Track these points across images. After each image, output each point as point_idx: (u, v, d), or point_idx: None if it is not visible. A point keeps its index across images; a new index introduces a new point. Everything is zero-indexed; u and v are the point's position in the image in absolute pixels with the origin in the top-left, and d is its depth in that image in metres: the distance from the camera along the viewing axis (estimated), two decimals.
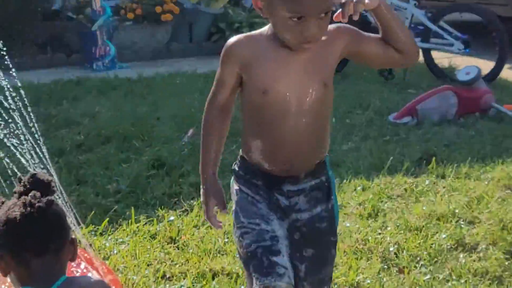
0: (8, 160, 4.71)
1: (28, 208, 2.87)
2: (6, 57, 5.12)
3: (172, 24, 11.49)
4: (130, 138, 6.58)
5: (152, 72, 9.53)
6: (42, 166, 4.59)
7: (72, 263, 3.13)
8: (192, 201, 5.29)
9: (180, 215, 5.08)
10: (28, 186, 2.94)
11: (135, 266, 4.40)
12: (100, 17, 10.49)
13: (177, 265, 4.41)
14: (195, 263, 4.40)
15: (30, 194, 2.90)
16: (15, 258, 2.91)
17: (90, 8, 10.60)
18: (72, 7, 11.19)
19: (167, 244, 4.69)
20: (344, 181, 5.54)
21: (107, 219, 4.97)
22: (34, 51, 10.52)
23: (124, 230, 4.87)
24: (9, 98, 4.87)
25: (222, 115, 3.27)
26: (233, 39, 3.20)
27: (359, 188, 5.43)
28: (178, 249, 4.62)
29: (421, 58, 8.84)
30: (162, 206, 5.20)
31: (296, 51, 3.08)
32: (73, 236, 3.02)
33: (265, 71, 3.12)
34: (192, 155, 6.07)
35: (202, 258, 4.44)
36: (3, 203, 2.95)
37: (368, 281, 4.14)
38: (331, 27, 3.10)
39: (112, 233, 4.84)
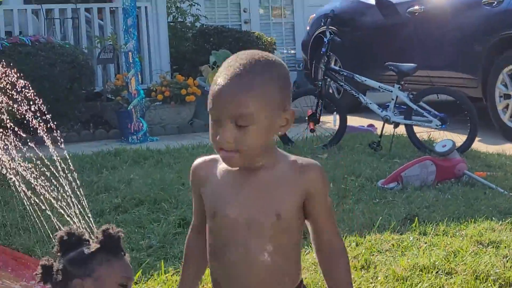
0: (56, 221, 4.73)
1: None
2: (57, 132, 5.15)
3: (194, 104, 11.56)
4: (159, 201, 6.57)
5: (178, 145, 9.54)
6: (85, 226, 4.60)
7: None
8: None
9: None
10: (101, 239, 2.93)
11: None
12: (135, 98, 10.55)
13: None
14: None
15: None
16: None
17: (126, 90, 10.67)
18: (111, 89, 11.27)
19: None
20: (346, 236, 5.54)
21: (141, 270, 4.96)
22: (79, 128, 10.60)
23: (155, 279, 4.85)
24: (58, 167, 4.90)
25: (199, 237, 2.78)
26: (196, 161, 2.78)
27: (353, 243, 5.40)
28: None
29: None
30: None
31: (250, 175, 2.55)
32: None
33: (215, 193, 2.61)
34: None
35: None
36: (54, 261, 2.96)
37: None
38: (302, 161, 2.56)
39: (145, 282, 4.82)
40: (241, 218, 2.55)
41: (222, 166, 2.61)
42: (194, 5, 13.67)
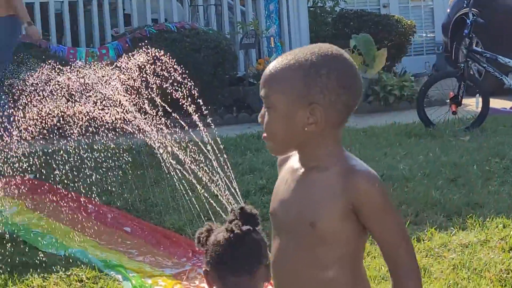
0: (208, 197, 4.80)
1: (230, 234, 2.92)
2: (206, 116, 5.23)
3: None
4: None
5: None
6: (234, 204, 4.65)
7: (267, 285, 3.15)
8: None
9: None
10: (237, 216, 2.99)
11: None
12: None
13: None
14: None
15: (233, 223, 2.95)
16: (217, 274, 2.96)
17: None
18: (253, 74, 11.34)
19: None
20: (487, 219, 5.43)
21: None
22: (222, 111, 10.71)
23: None
24: (209, 149, 4.97)
25: None
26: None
27: (500, 225, 5.31)
28: None
29: None
30: None
31: (301, 175, 2.37)
32: (269, 262, 3.03)
33: (275, 189, 2.48)
34: None
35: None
36: (211, 229, 3.01)
37: None
38: (352, 168, 2.31)
39: None
40: (283, 220, 2.41)
41: (290, 161, 2.46)
42: None
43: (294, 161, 2.41)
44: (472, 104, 9.86)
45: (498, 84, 9.62)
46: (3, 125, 6.58)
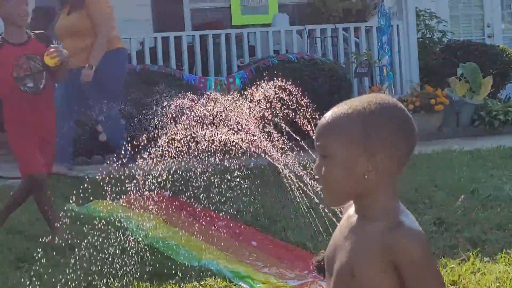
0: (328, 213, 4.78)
1: None
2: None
3: (442, 113, 11.39)
4: (415, 201, 6.52)
5: (429, 150, 9.43)
6: None
7: None
8: (468, 252, 5.17)
9: (459, 263, 4.97)
10: None
11: None
12: None
13: None
14: None
15: None
16: None
17: None
18: None
19: (450, 285, 4.61)
20: None
21: None
22: None
23: None
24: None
25: None
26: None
27: None
28: None
29: None
30: (444, 256, 5.12)
31: (353, 225, 2.23)
32: None
33: (333, 234, 2.34)
34: (465, 215, 5.96)
35: None
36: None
37: None
38: (396, 225, 2.12)
39: None
40: (331, 265, 2.26)
41: (350, 208, 2.29)
42: (441, 22, 13.46)
43: (353, 208, 2.27)
44: None
45: None
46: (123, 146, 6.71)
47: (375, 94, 2.25)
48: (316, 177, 2.22)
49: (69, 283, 4.62)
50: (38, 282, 4.66)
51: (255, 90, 5.80)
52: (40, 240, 5.34)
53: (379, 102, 2.19)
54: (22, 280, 4.80)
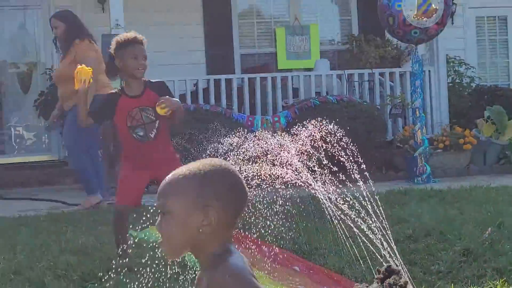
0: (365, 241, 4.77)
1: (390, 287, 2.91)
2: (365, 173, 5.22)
3: (470, 151, 11.32)
4: (445, 233, 6.47)
5: (457, 186, 9.36)
6: (389, 250, 4.61)
7: None
8: (495, 281, 5.12)
9: None
10: (385, 273, 2.99)
11: None
12: (420, 146, 10.51)
13: None
14: None
15: (390, 279, 2.95)
16: None
17: (413, 140, 10.64)
18: (400, 139, 11.27)
19: None
20: None
21: None
22: (373, 170, 10.66)
23: None
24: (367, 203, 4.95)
25: None
26: None
27: None
28: None
29: None
30: (473, 284, 5.08)
31: (199, 278, 2.37)
32: None
33: None
34: (491, 248, 5.91)
35: None
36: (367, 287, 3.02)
37: None
38: (213, 273, 2.23)
39: None
40: None
41: None
42: (469, 68, 13.43)
43: None
44: None
45: None
46: None
47: (210, 159, 2.36)
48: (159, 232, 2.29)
49: None
50: None
51: (299, 129, 5.83)
52: (104, 261, 5.41)
53: (213, 165, 2.29)
54: None
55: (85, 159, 8.90)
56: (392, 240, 4.67)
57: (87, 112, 5.80)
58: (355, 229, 5.16)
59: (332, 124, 6.14)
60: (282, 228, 6.32)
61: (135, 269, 5.11)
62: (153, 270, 5.02)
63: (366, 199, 5.31)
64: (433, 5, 9.79)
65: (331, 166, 5.59)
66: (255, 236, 6.13)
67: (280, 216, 6.15)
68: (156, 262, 5.10)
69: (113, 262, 5.17)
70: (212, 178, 2.27)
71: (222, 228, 2.27)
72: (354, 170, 5.62)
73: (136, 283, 4.89)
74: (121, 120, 5.71)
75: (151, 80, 5.85)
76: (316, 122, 6.01)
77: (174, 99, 5.72)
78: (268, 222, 5.97)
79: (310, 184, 5.30)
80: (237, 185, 2.32)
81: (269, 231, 6.02)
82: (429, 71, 12.27)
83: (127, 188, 5.71)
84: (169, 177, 2.30)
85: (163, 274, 5.07)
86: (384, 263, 3.31)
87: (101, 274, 5.26)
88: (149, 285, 4.89)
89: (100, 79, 8.38)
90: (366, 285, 3.07)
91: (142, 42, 5.74)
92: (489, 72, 15.01)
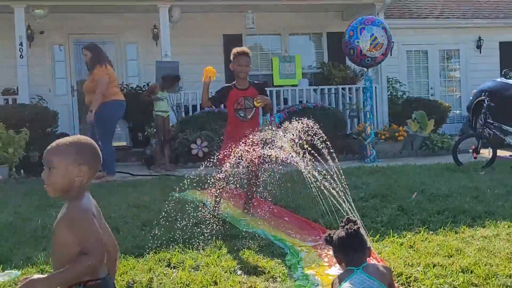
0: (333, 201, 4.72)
1: (348, 231, 2.88)
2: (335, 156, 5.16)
3: (403, 141, 11.28)
4: (385, 195, 6.41)
5: (393, 164, 9.33)
6: (349, 208, 4.57)
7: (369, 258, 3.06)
8: (419, 228, 5.06)
9: (414, 234, 4.85)
10: (346, 222, 2.96)
11: (392, 260, 4.26)
12: (369, 137, 10.46)
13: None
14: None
15: (347, 226, 2.92)
16: (342, 254, 2.91)
17: (364, 133, 10.60)
18: (356, 132, 11.23)
19: (409, 248, 4.51)
20: (498, 221, 5.15)
21: (378, 235, 4.87)
22: (337, 153, 10.58)
23: (386, 240, 4.75)
24: (334, 174, 4.88)
25: None
26: None
27: (506, 225, 5.02)
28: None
29: None
30: (404, 230, 5.02)
31: (63, 208, 2.41)
32: (369, 245, 2.98)
33: None
34: (417, 205, 5.86)
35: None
36: (330, 233, 2.99)
37: None
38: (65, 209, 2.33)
39: (381, 242, 4.73)
40: None
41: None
42: (402, 85, 13.39)
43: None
44: (486, 153, 9.43)
45: (501, 141, 9.16)
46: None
47: (80, 136, 2.47)
48: (45, 183, 2.33)
49: (177, 234, 4.64)
50: (156, 238, 4.69)
51: (290, 125, 5.78)
52: (155, 213, 5.38)
53: (83, 139, 2.41)
54: (146, 236, 4.83)
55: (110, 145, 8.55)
56: (350, 200, 4.61)
57: (210, 98, 5.78)
58: (326, 192, 5.11)
59: (311, 121, 6.09)
60: (277, 192, 6.28)
61: (177, 220, 5.08)
62: (191, 218, 5.02)
63: (334, 172, 5.25)
64: (380, 41, 9.75)
65: (310, 150, 5.53)
66: (259, 198, 6.11)
67: (276, 184, 6.12)
68: (193, 213, 5.09)
69: (160, 214, 5.14)
70: (84, 147, 2.37)
71: (86, 180, 2.34)
72: (325, 153, 5.54)
73: (175, 227, 4.87)
74: (230, 104, 5.71)
75: (255, 82, 5.97)
76: (299, 120, 5.94)
77: (266, 97, 5.77)
78: (269, 188, 5.94)
79: (297, 162, 5.23)
80: (97, 153, 2.41)
81: (269, 194, 5.99)
82: (375, 87, 12.20)
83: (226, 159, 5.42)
84: (55, 143, 2.36)
85: (197, 220, 5.05)
86: (345, 216, 3.27)
87: (155, 222, 5.24)
88: (188, 226, 4.89)
89: (111, 90, 8.38)
90: (334, 231, 3.03)
91: (248, 54, 5.74)
92: (415, 88, 14.95)
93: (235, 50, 5.77)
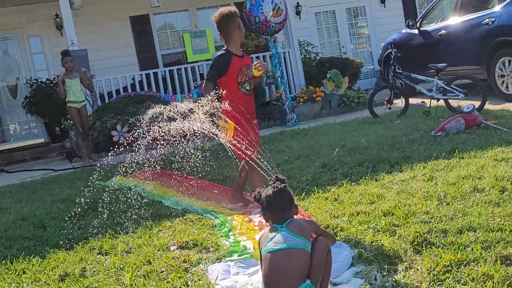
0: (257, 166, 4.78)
1: (276, 189, 2.96)
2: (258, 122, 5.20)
3: (321, 102, 11.53)
4: (308, 155, 6.59)
5: (314, 125, 9.55)
6: (274, 171, 4.64)
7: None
8: (342, 181, 5.26)
9: (337, 187, 5.04)
10: (275, 180, 3.03)
11: (319, 214, 4.41)
12: (286, 102, 10.63)
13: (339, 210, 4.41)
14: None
15: (275, 183, 3.00)
16: (269, 212, 2.99)
17: (281, 98, 10.75)
18: (274, 99, 11.36)
19: (334, 201, 4.68)
20: (414, 165, 5.41)
21: (304, 193, 5.01)
22: (259, 121, 10.71)
23: (311, 197, 4.89)
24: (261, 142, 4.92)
25: None
26: None
27: (422, 167, 5.28)
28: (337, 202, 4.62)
29: (443, 103, 8.58)
30: (328, 185, 5.18)
31: None
32: (296, 203, 3.07)
33: None
34: (339, 161, 6.05)
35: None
36: (259, 191, 3.06)
37: None
38: None
39: (306, 199, 4.87)
40: None
41: None
42: (314, 47, 13.61)
43: None
44: (399, 102, 9.81)
45: (412, 89, 9.56)
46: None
47: None
48: None
49: (106, 221, 4.60)
50: (84, 228, 4.62)
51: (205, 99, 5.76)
52: (80, 205, 5.29)
53: None
54: (74, 228, 4.76)
55: None
56: (274, 164, 4.71)
57: (207, 79, 4.68)
58: (254, 158, 5.16)
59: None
60: (202, 167, 6.31)
61: (105, 208, 5.03)
62: (114, 206, 4.99)
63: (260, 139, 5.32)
64: (280, 7, 9.97)
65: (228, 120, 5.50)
66: (184, 174, 6.12)
67: (198, 159, 6.13)
68: (120, 198, 5.05)
69: (86, 205, 5.08)
70: None
71: None
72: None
73: (104, 215, 4.83)
74: (233, 77, 4.65)
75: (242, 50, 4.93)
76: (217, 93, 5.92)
77: (264, 63, 4.84)
78: (191, 164, 5.95)
79: (216, 134, 5.25)
80: None
81: (194, 170, 6.01)
82: (288, 51, 12.36)
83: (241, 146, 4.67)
84: None
85: (124, 204, 5.02)
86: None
87: (82, 213, 5.17)
88: (117, 211, 4.86)
89: None
90: (263, 189, 3.10)
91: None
92: (327, 48, 15.24)
93: (226, 11, 4.72)
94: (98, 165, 8.37)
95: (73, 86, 9.20)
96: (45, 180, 7.74)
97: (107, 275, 3.68)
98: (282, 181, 3.06)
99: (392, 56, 9.33)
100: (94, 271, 3.80)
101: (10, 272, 3.97)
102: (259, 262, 3.61)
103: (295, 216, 3.07)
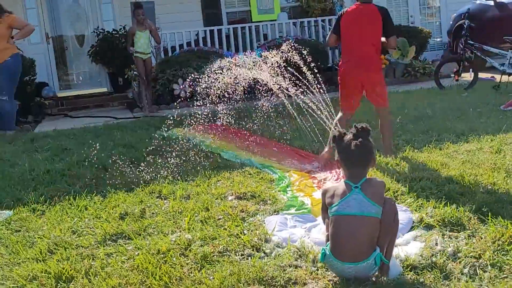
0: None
1: (358, 143, 2.79)
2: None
3: (385, 69, 11.28)
4: (368, 122, 6.45)
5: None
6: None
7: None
8: (405, 147, 5.15)
9: (401, 153, 4.96)
10: (359, 129, 2.83)
11: (379, 178, 4.32)
12: None
13: None
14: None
15: (360, 132, 2.82)
16: (347, 168, 2.83)
17: None
18: (336, 64, 11.19)
19: (396, 165, 4.58)
20: (481, 136, 5.26)
21: None
22: (320, 86, 10.59)
23: None
24: (320, 106, 4.88)
25: None
26: None
27: (489, 139, 5.14)
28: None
29: None
30: (394, 149, 5.10)
31: None
32: (374, 156, 2.86)
33: None
34: (402, 127, 5.91)
35: None
36: (345, 133, 2.86)
37: None
38: None
39: None
40: None
41: None
42: None
43: None
44: (467, 76, 9.49)
45: (482, 62, 9.19)
46: None
47: None
48: None
49: (166, 169, 4.67)
50: (145, 173, 4.71)
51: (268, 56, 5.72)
52: (141, 151, 5.36)
53: None
54: (135, 172, 4.86)
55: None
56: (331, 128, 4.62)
57: (332, 33, 5.24)
58: (314, 124, 5.13)
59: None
60: (266, 126, 6.31)
61: (164, 157, 5.11)
62: (174, 156, 5.05)
63: (324, 104, 5.27)
64: None
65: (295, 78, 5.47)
66: (246, 130, 6.13)
67: (263, 117, 6.13)
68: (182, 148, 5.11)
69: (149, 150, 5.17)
70: None
71: None
72: (310, 84, 5.54)
73: (164, 163, 4.91)
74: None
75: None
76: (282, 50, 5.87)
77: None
78: (255, 121, 5.95)
79: (283, 91, 5.22)
80: None
81: (258, 128, 6.01)
82: None
83: (345, 100, 5.32)
84: None
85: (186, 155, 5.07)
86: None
87: (143, 157, 5.28)
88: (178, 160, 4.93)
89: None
90: (345, 132, 2.89)
91: None
92: (395, 15, 14.76)
93: None
94: (159, 116, 8.52)
95: (142, 38, 9.30)
96: (107, 127, 7.91)
97: (165, 217, 3.74)
98: (367, 132, 2.80)
99: (465, 26, 8.99)
100: (153, 213, 3.87)
101: (73, 208, 4.10)
102: (316, 218, 3.59)
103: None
